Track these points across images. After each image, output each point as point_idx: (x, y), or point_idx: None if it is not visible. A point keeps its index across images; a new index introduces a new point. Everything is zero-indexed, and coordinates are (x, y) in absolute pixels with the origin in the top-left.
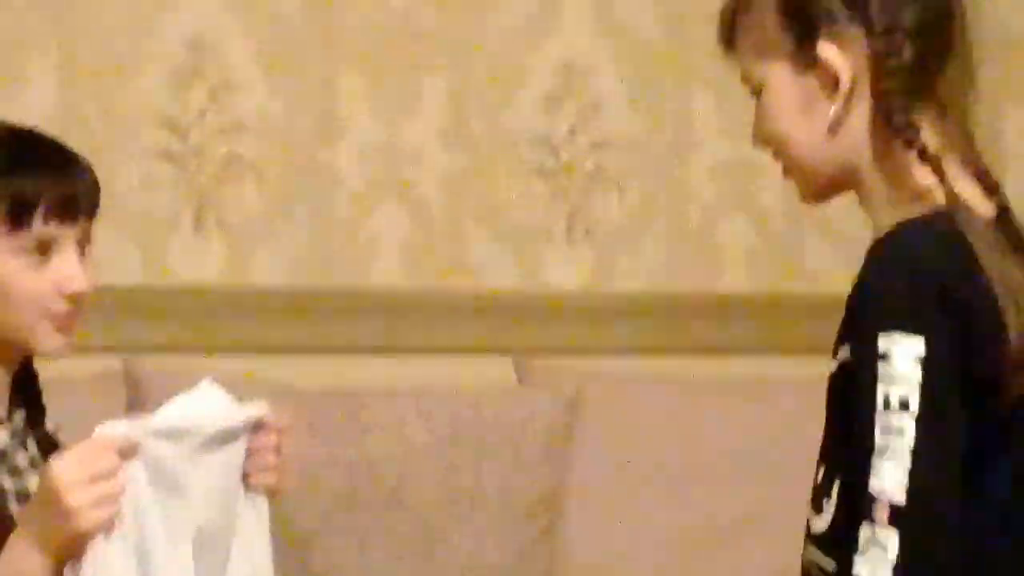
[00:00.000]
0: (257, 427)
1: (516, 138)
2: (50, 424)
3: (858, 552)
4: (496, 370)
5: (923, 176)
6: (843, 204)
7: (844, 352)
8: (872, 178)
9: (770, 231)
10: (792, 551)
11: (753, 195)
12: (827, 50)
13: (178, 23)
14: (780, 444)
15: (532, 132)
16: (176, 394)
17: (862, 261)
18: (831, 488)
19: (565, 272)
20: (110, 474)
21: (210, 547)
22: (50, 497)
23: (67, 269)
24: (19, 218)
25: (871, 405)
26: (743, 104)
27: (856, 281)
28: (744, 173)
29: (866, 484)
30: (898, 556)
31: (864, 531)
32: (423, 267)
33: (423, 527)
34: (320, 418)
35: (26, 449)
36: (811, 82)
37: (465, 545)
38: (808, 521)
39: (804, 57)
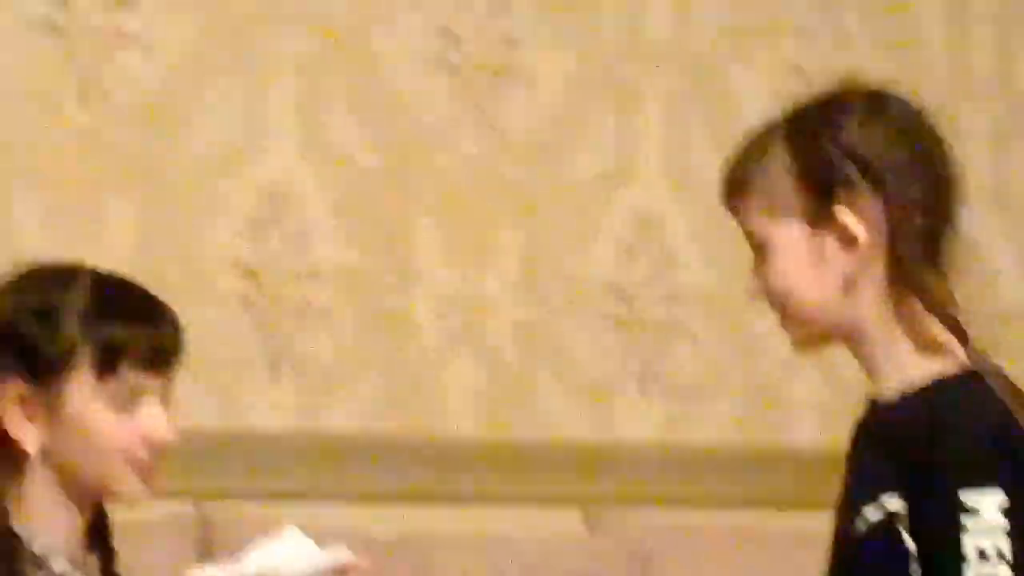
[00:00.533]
0: (339, 572)
1: (589, 289)
2: (121, 569)
3: None
4: (566, 521)
5: (938, 331)
6: None
7: (894, 504)
8: (878, 333)
9: (841, 385)
10: None
11: (828, 350)
12: (845, 214)
13: (256, 172)
14: None
15: (605, 283)
16: (248, 540)
17: (901, 409)
18: None
19: (637, 424)
20: None
21: None
22: None
23: (152, 419)
24: (108, 366)
25: (961, 557)
26: None
27: (911, 437)
28: None
29: None
30: None
31: None
32: (495, 417)
33: None
34: (391, 567)
35: None
36: (826, 242)
37: None
38: None
39: (820, 219)
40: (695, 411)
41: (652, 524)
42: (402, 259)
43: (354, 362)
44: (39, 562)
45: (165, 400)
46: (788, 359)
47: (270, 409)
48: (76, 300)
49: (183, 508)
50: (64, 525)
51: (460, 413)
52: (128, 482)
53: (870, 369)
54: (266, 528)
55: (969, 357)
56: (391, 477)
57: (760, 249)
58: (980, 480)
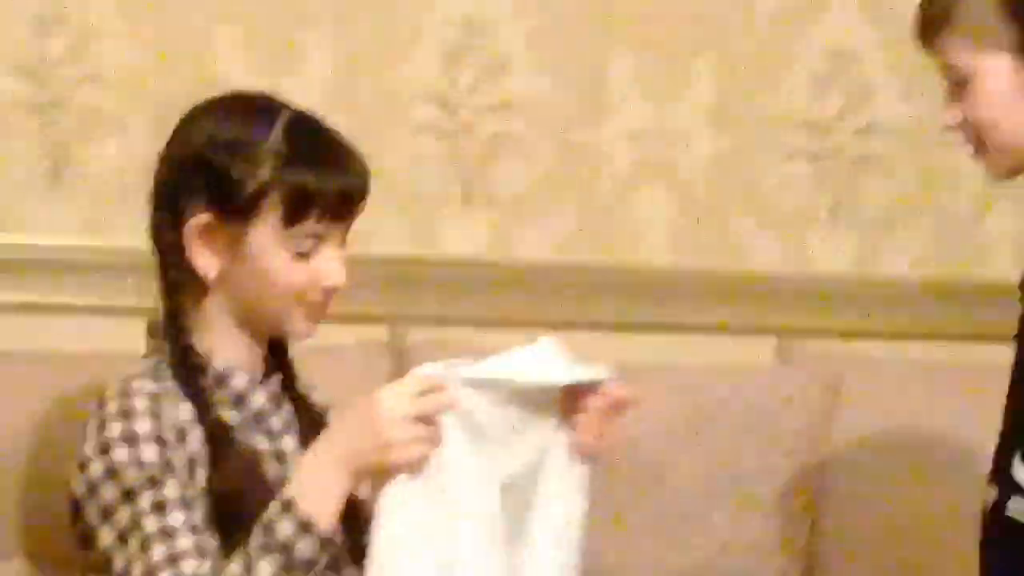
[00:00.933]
0: (593, 388)
1: (782, 121)
2: (303, 387)
3: None
4: (758, 351)
5: None
6: None
7: None
8: None
9: None
10: None
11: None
12: None
13: (452, 3)
14: None
15: (798, 116)
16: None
17: None
18: None
19: (830, 255)
20: (430, 417)
21: (511, 502)
22: (372, 426)
23: (328, 264)
24: (296, 213)
25: None
26: None
27: None
28: None
29: None
30: None
31: None
32: (687, 247)
33: (681, 504)
34: None
35: (281, 412)
36: None
37: (724, 523)
38: (1014, 476)
39: None
40: (887, 244)
41: (843, 355)
42: (595, 91)
43: (546, 192)
44: (220, 378)
45: (342, 242)
46: (981, 192)
47: (463, 237)
48: (274, 141)
49: (377, 333)
50: (243, 349)
51: (651, 243)
52: (297, 321)
53: None
54: (457, 353)
55: None
56: (583, 305)
57: (961, 82)
58: None
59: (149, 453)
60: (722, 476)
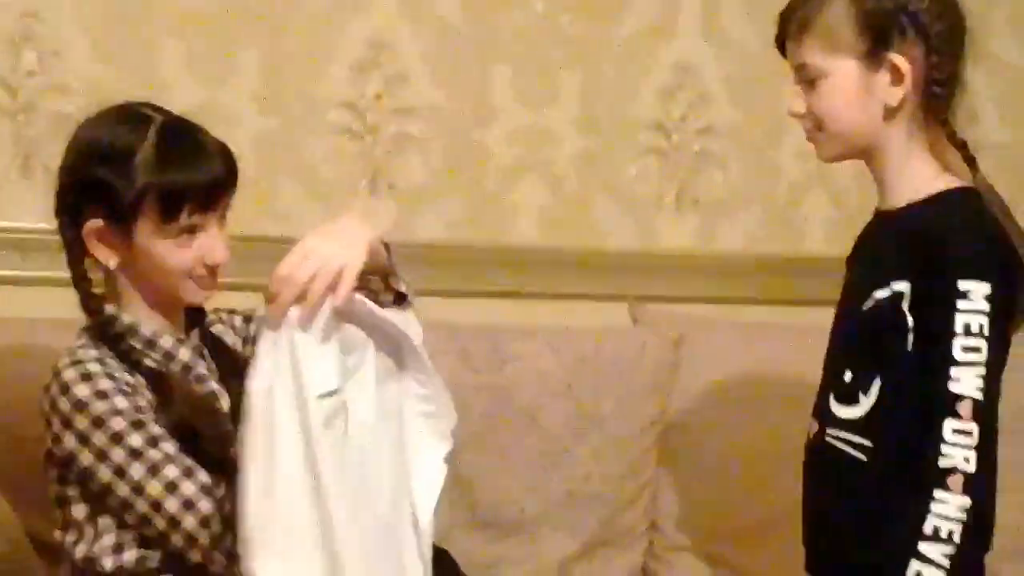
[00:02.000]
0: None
1: (636, 124)
2: (211, 316)
3: (945, 442)
4: (614, 314)
5: (951, 153)
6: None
7: (901, 285)
8: (899, 155)
9: (844, 203)
10: None
11: (831, 174)
12: (897, 58)
13: (361, 26)
14: None
15: (649, 119)
16: None
17: (915, 213)
18: (868, 386)
19: (675, 234)
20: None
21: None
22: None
23: (209, 246)
24: (169, 211)
25: (952, 330)
26: None
27: (923, 233)
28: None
29: (946, 389)
30: (979, 440)
31: (949, 425)
32: (557, 229)
33: (552, 442)
34: (470, 350)
35: (204, 359)
36: (876, 78)
37: (587, 457)
38: (829, 410)
39: (874, 59)
40: (723, 224)
41: (685, 316)
42: (481, 99)
43: (441, 184)
44: (149, 341)
45: (222, 220)
46: (799, 182)
47: (372, 223)
48: (146, 149)
49: None
50: (161, 317)
51: (527, 226)
52: (191, 293)
53: (885, 185)
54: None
55: (975, 179)
56: (471, 277)
57: (811, 80)
58: (975, 272)
59: (122, 402)
60: (586, 419)
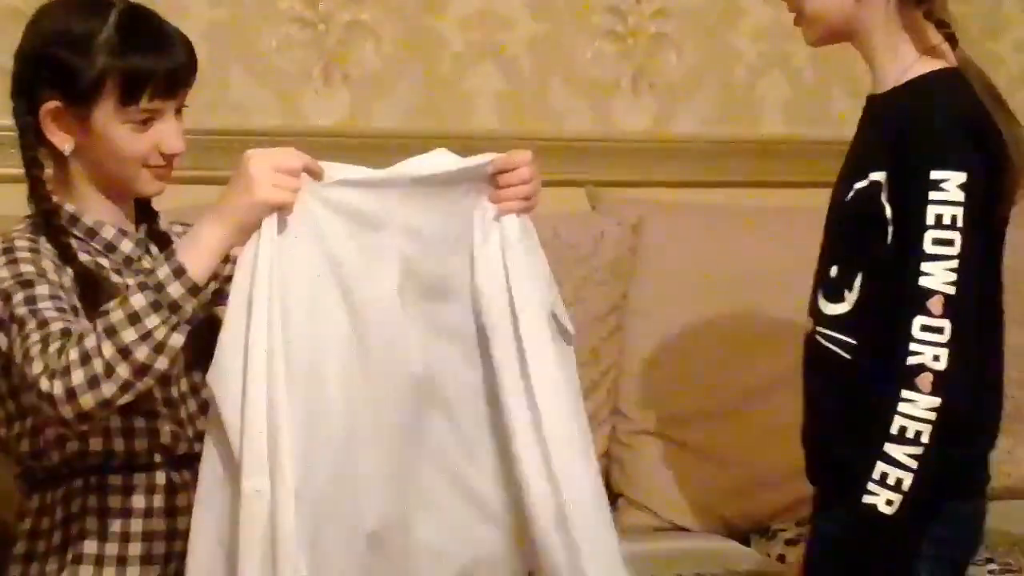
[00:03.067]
0: (502, 173)
1: (591, 7)
2: (164, 223)
3: (913, 339)
4: (572, 199)
5: (932, 34)
6: (864, 64)
7: (878, 175)
8: (884, 35)
9: (801, 85)
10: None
11: (788, 56)
12: None
13: None
14: (806, 261)
15: (604, 2)
16: None
17: (892, 99)
18: (852, 282)
19: (631, 119)
20: (292, 171)
21: (421, 285)
22: (239, 173)
23: (166, 134)
24: (130, 95)
25: (924, 223)
26: None
27: (895, 119)
28: (782, 37)
29: (916, 284)
30: (951, 337)
31: (918, 321)
32: (513, 115)
33: None
34: None
35: (150, 254)
36: None
37: None
38: (819, 308)
39: None
40: (679, 108)
41: (644, 200)
42: None
43: (395, 71)
44: (91, 231)
45: (179, 113)
46: (755, 64)
47: (325, 110)
48: (107, 32)
49: None
50: (109, 206)
51: (483, 113)
52: (146, 183)
53: (873, 68)
54: None
55: (957, 58)
56: None
57: None
58: (947, 162)
59: (26, 268)
60: None
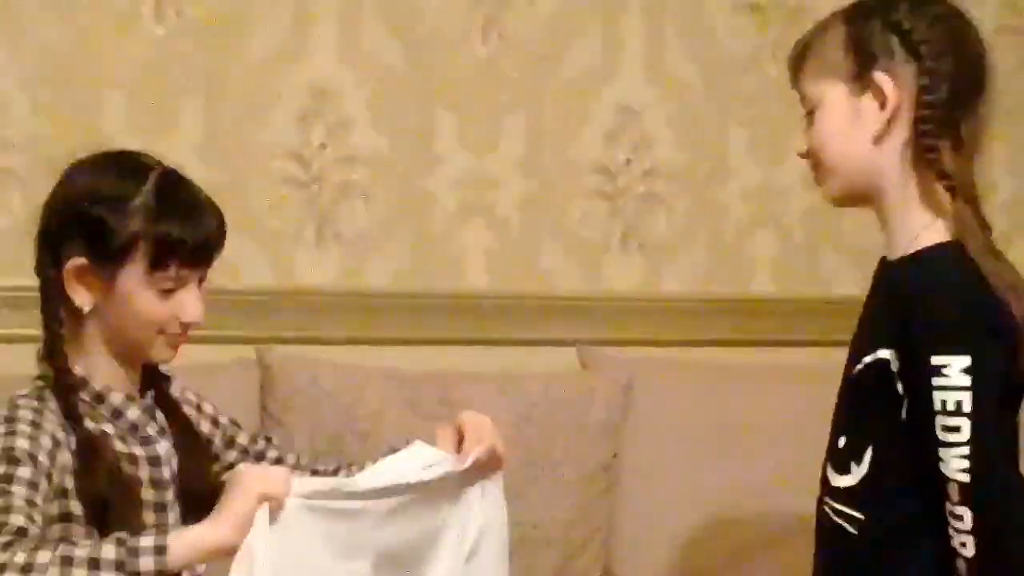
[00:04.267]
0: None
1: (581, 167)
2: (176, 388)
3: (948, 524)
4: (563, 358)
5: (941, 195)
6: (853, 222)
7: (886, 353)
8: (897, 194)
9: (791, 245)
10: (808, 505)
11: (779, 215)
12: (882, 79)
13: (303, 74)
14: (797, 419)
15: (594, 162)
16: (297, 377)
17: (899, 272)
18: (861, 455)
19: (621, 278)
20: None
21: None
22: (228, 490)
23: (187, 303)
24: (159, 261)
25: (932, 408)
26: (770, 139)
27: (901, 298)
28: (771, 196)
29: (937, 469)
30: (973, 525)
31: (946, 507)
32: (503, 274)
33: (504, 487)
34: (419, 398)
35: (156, 421)
36: (863, 103)
37: (539, 501)
38: (827, 479)
39: (861, 81)
40: (669, 267)
41: (634, 359)
42: (425, 145)
43: (386, 231)
44: (99, 396)
45: (201, 282)
46: (745, 222)
47: (317, 270)
48: (144, 196)
49: (247, 352)
50: (118, 371)
51: (474, 272)
52: (159, 349)
53: (888, 232)
54: (316, 369)
55: (953, 212)
56: (418, 324)
57: (811, 112)
58: (948, 346)
59: (20, 444)
60: (537, 463)
